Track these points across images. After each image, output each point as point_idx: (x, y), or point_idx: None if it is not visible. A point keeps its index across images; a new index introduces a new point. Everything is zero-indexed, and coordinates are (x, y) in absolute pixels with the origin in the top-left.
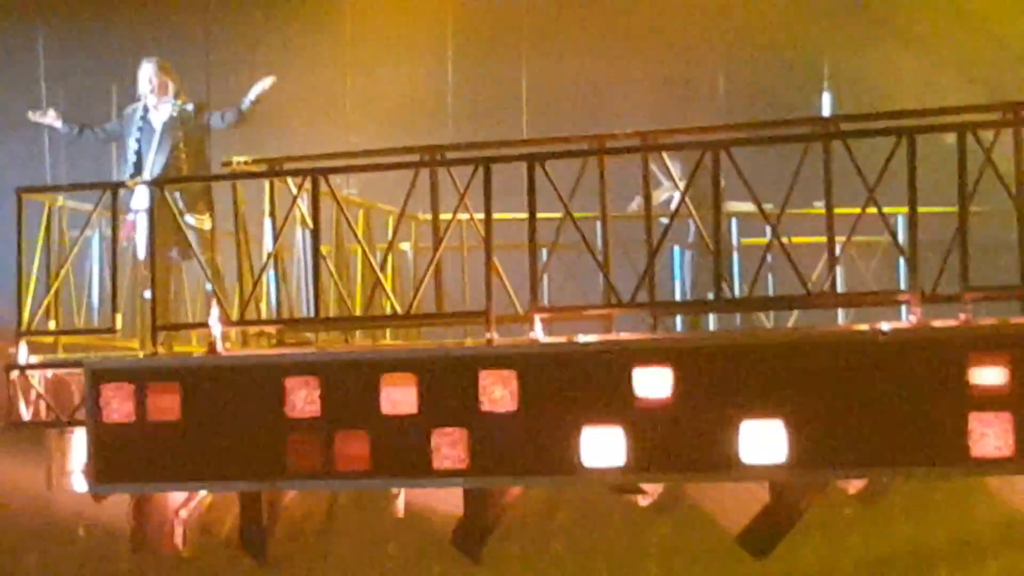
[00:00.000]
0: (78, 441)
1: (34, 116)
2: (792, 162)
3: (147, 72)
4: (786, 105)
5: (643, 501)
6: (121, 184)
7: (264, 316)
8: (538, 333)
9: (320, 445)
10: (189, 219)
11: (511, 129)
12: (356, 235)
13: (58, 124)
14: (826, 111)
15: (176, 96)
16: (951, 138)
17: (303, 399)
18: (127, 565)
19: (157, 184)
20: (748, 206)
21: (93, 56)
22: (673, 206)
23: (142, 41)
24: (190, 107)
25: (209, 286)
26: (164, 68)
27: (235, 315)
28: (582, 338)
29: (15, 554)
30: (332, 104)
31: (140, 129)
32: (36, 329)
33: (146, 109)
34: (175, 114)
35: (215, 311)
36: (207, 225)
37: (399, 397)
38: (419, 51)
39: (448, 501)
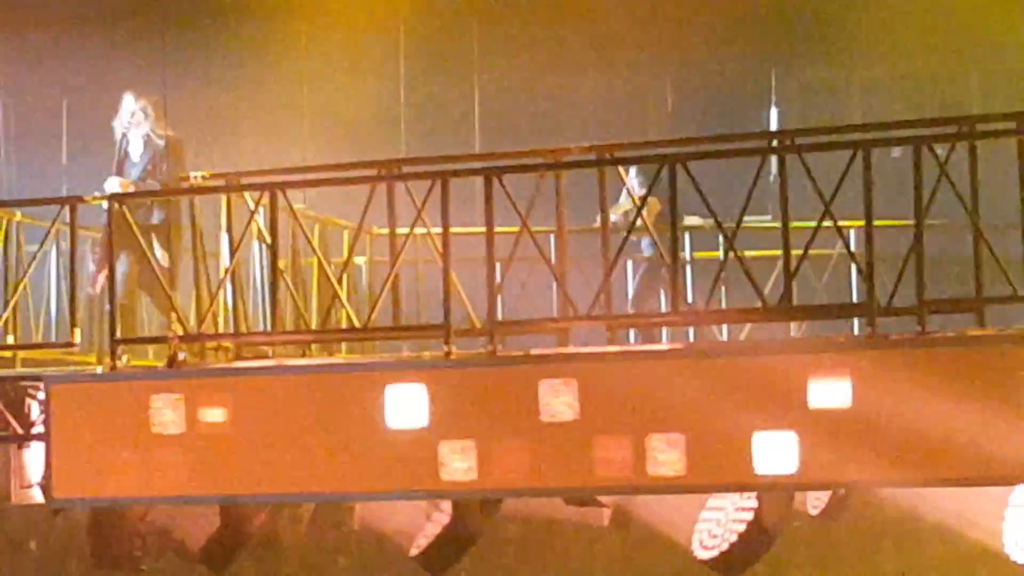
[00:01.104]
0: (37, 455)
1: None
2: (737, 175)
3: (128, 105)
4: (734, 119)
5: (604, 519)
6: (79, 199)
7: (221, 330)
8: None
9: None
10: (157, 252)
11: (464, 143)
12: (314, 249)
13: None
14: (773, 125)
15: (151, 127)
16: (897, 151)
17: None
18: None
19: (116, 200)
20: (698, 220)
21: (45, 71)
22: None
23: (96, 56)
24: (161, 142)
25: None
26: (142, 100)
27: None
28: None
29: None
30: (286, 118)
31: (121, 162)
32: None
33: (128, 141)
34: (148, 146)
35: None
36: (165, 262)
37: None
38: (372, 66)
39: (396, 516)
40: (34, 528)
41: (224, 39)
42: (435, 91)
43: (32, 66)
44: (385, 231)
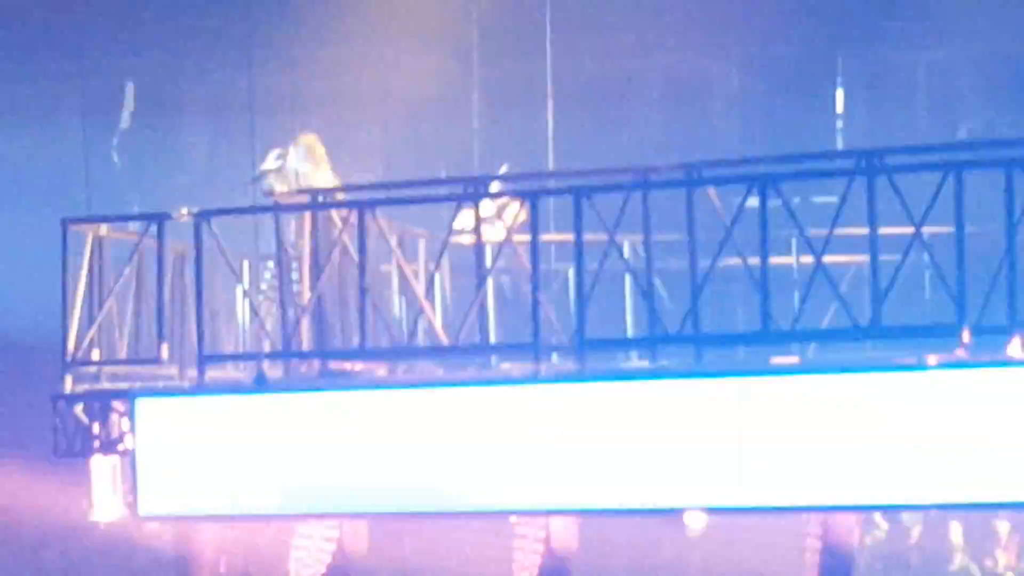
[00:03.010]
0: (121, 469)
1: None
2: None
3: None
4: (800, 100)
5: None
6: (167, 216)
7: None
8: None
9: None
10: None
11: (536, 121)
12: (402, 267)
13: None
14: (839, 107)
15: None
16: None
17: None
18: None
19: (204, 218)
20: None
21: (116, 55)
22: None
23: (179, 42)
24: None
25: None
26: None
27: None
28: None
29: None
30: (363, 96)
31: None
32: (81, 359)
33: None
34: None
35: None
36: None
37: None
38: (445, 46)
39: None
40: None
41: (306, 19)
42: (507, 69)
43: (107, 51)
44: (461, 240)
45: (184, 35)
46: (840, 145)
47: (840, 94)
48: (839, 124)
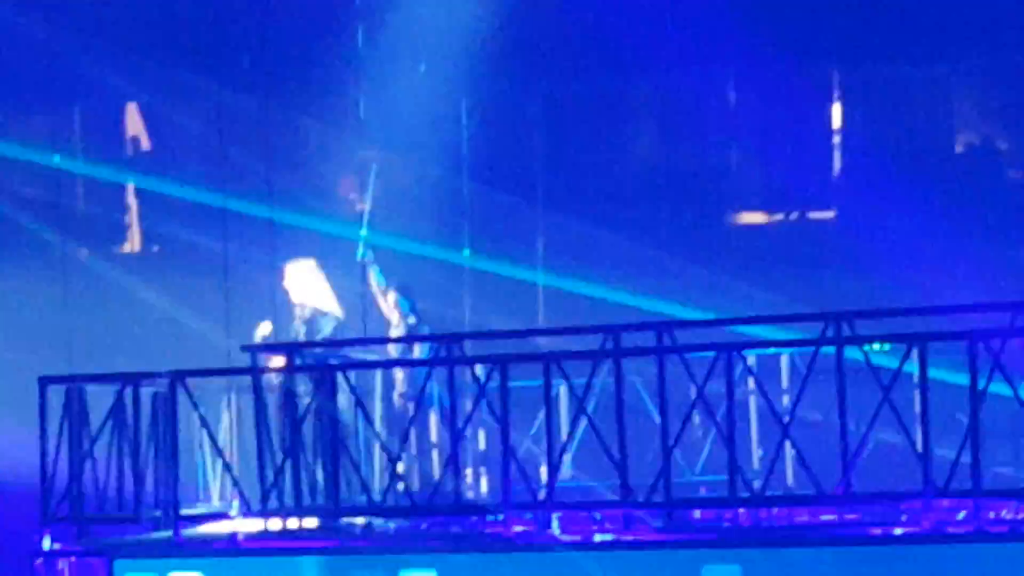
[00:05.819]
0: None
1: None
2: None
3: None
4: (796, 114)
5: None
6: (144, 375)
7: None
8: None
9: None
10: None
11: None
12: (375, 432)
13: None
14: (836, 122)
15: None
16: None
17: None
18: None
19: (178, 378)
20: None
21: None
22: None
23: None
24: None
25: None
26: None
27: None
28: None
29: None
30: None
31: None
32: (60, 516)
33: None
34: None
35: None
36: None
37: None
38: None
39: None
40: None
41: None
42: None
43: None
44: None
45: None
46: (838, 162)
47: (837, 109)
48: (836, 139)
